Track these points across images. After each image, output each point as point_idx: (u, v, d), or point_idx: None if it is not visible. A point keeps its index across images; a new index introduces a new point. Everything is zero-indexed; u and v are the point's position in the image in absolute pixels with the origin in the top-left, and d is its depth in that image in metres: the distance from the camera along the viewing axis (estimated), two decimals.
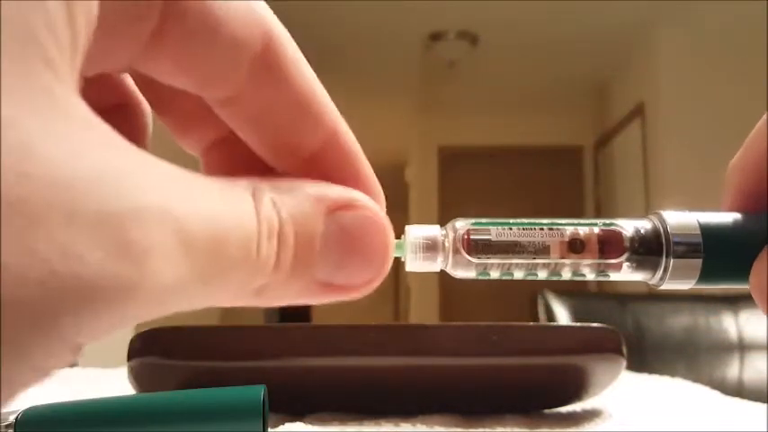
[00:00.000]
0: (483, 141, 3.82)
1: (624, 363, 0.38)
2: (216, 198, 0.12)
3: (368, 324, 0.36)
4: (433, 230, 0.19)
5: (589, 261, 0.20)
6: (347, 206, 0.15)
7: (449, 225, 0.20)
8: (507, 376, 0.38)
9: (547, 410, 0.41)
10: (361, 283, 0.15)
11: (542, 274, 0.20)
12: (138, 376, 0.37)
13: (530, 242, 0.20)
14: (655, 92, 3.00)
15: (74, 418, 0.27)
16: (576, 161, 3.85)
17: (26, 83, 0.10)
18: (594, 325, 0.38)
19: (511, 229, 0.20)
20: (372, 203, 0.15)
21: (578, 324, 0.38)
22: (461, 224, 0.20)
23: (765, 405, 0.44)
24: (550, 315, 1.41)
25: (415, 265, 0.19)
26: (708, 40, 2.85)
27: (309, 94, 0.16)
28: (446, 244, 0.19)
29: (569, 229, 0.20)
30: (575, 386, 0.39)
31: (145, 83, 0.16)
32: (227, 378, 0.34)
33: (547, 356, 0.37)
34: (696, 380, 0.57)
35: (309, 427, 0.34)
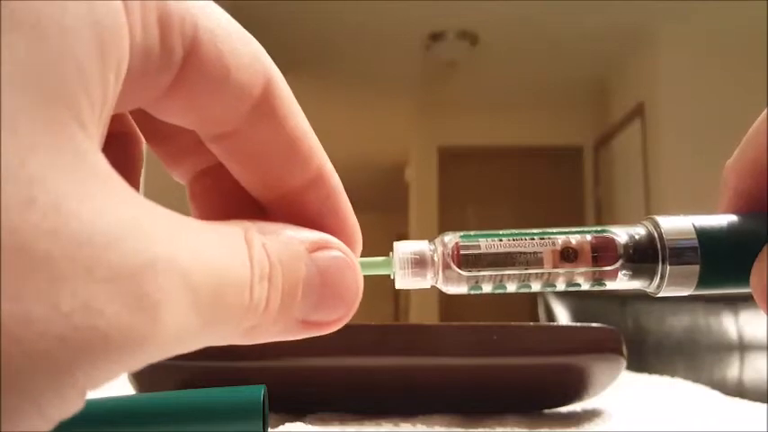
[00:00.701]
0: (483, 141, 3.82)
1: (624, 363, 0.38)
2: (214, 245, 0.13)
3: (367, 324, 0.36)
4: (422, 246, 0.19)
5: (583, 269, 0.19)
6: (322, 247, 0.16)
7: (437, 239, 0.19)
8: (507, 376, 0.38)
9: (547, 410, 0.41)
10: (335, 320, 0.16)
11: (536, 286, 0.20)
12: (138, 376, 0.37)
13: (521, 253, 0.19)
14: (655, 92, 3.00)
15: (73, 417, 0.27)
16: (576, 161, 3.84)
17: (56, 139, 0.10)
18: (594, 325, 0.38)
19: (501, 240, 0.19)
20: (342, 245, 0.16)
21: (578, 324, 0.37)
22: (450, 238, 0.19)
23: (765, 405, 0.44)
24: (550, 315, 1.41)
25: (404, 282, 0.19)
26: (708, 40, 2.85)
27: (300, 134, 0.16)
28: (435, 259, 0.19)
29: (561, 238, 0.19)
30: (575, 386, 0.39)
31: (139, 115, 0.17)
32: (228, 378, 0.34)
33: (547, 356, 0.37)
34: (696, 380, 0.57)
35: (309, 427, 0.34)
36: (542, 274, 0.19)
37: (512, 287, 0.20)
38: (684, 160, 2.83)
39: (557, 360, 0.37)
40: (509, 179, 3.78)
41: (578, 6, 2.70)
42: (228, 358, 0.36)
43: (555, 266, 0.19)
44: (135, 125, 0.17)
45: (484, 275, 0.19)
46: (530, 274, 0.19)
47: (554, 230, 0.19)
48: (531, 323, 0.38)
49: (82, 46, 0.11)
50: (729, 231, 0.20)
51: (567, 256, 0.19)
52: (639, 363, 0.91)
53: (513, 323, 0.37)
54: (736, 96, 2.70)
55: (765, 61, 2.49)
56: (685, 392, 0.51)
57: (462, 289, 0.19)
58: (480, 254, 0.19)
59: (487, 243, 0.19)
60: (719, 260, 0.19)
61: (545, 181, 3.78)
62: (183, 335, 0.12)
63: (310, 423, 0.36)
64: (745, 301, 1.36)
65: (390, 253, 0.19)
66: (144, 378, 0.37)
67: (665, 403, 0.46)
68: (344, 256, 0.16)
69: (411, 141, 4.03)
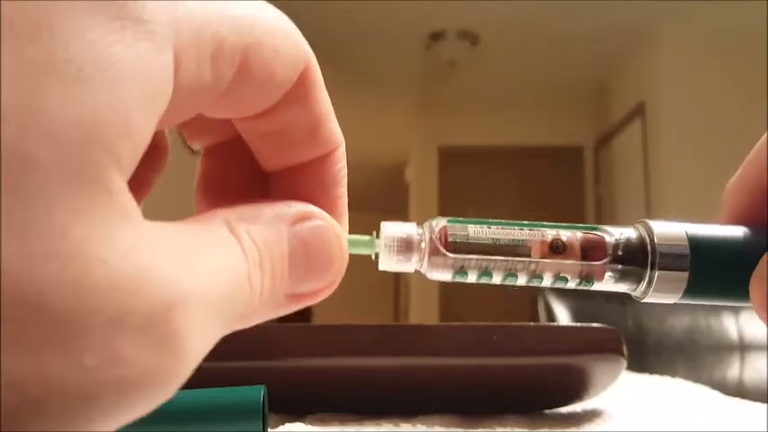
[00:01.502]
0: (483, 141, 3.82)
1: (624, 363, 0.38)
2: (215, 251, 0.13)
3: (367, 324, 0.36)
4: (410, 228, 0.19)
5: (570, 262, 0.19)
6: (303, 218, 0.16)
7: (426, 224, 0.19)
8: (507, 376, 0.37)
9: (547, 410, 0.41)
10: (323, 288, 0.16)
11: (522, 278, 0.19)
12: None
13: (509, 240, 0.19)
14: (655, 92, 3.00)
15: None
16: (576, 161, 3.84)
17: (90, 184, 0.10)
18: (595, 325, 0.38)
19: (489, 227, 0.19)
20: (324, 213, 0.16)
21: (578, 324, 0.37)
22: (438, 222, 0.19)
23: (766, 405, 0.44)
24: (550, 315, 1.41)
25: (388, 264, 0.19)
26: (708, 40, 2.85)
27: (324, 116, 0.17)
28: (422, 244, 0.19)
29: (551, 231, 0.19)
30: (575, 386, 0.39)
31: None
32: (228, 378, 0.34)
33: (547, 356, 0.37)
34: (696, 380, 0.57)
35: (309, 427, 0.34)
36: (529, 264, 0.19)
37: (498, 276, 0.19)
38: (684, 160, 2.83)
39: (557, 360, 0.37)
40: (509, 179, 3.78)
41: (578, 6, 2.70)
42: (228, 358, 0.36)
43: (542, 257, 0.19)
44: (166, 140, 0.18)
45: (470, 260, 0.19)
46: (516, 263, 0.19)
47: (545, 224, 0.19)
48: (531, 323, 0.38)
49: (128, 95, 0.11)
50: (722, 242, 0.19)
51: (556, 248, 0.19)
52: (640, 363, 0.90)
53: (513, 323, 0.37)
54: (737, 96, 2.70)
55: (765, 61, 2.48)
56: (685, 392, 0.51)
57: (447, 275, 0.19)
58: (468, 238, 0.19)
59: (476, 229, 0.19)
60: (709, 269, 0.19)
61: (545, 181, 3.78)
62: (203, 353, 0.12)
63: (310, 423, 0.36)
64: None
65: (374, 232, 0.18)
66: None
67: (665, 403, 0.46)
68: (326, 224, 0.16)
69: (411, 141, 4.02)
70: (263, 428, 0.29)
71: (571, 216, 3.61)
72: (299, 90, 0.16)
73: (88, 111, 0.10)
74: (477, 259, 0.19)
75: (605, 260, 0.19)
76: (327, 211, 0.17)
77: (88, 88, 0.10)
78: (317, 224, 0.16)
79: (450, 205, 3.71)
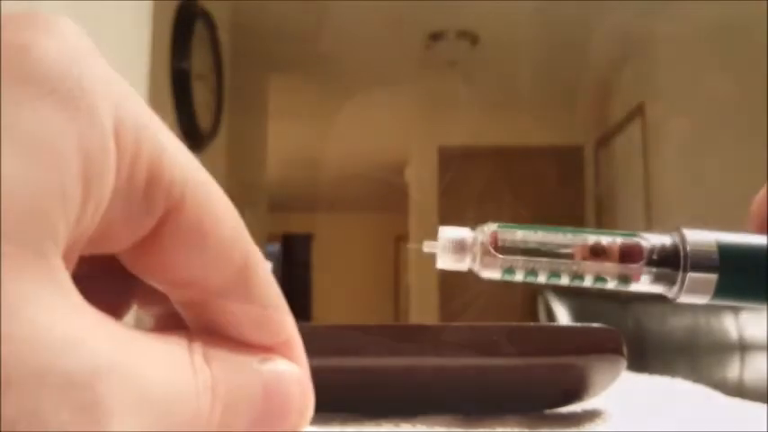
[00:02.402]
0: (483, 141, 3.82)
1: (625, 363, 0.38)
2: (162, 355, 0.13)
3: (368, 324, 0.36)
4: (464, 232, 0.21)
5: (609, 265, 0.21)
6: (266, 359, 0.16)
7: (478, 228, 0.21)
8: (507, 376, 0.37)
9: (547, 410, 0.41)
10: None
11: (565, 279, 0.21)
12: None
13: (554, 244, 0.21)
14: (655, 92, 3.00)
15: None
16: (576, 161, 3.84)
17: (25, 251, 0.11)
18: (595, 325, 0.38)
19: (536, 232, 0.21)
20: (288, 362, 0.16)
21: (578, 324, 0.37)
22: (489, 226, 0.21)
23: (766, 405, 0.43)
24: (550, 315, 1.41)
25: (445, 262, 0.21)
26: (708, 41, 2.85)
27: (271, 311, 0.16)
28: (475, 247, 0.21)
29: (592, 237, 0.21)
30: (575, 386, 0.39)
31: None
32: None
33: (547, 356, 0.37)
34: (697, 380, 0.57)
35: (309, 427, 0.34)
36: (571, 265, 0.21)
37: (542, 276, 0.21)
38: (684, 160, 2.83)
39: (557, 360, 0.37)
40: (509, 179, 3.78)
41: (578, 6, 2.70)
42: None
43: (584, 260, 0.21)
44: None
45: (518, 261, 0.21)
46: (560, 264, 0.21)
47: (586, 230, 0.22)
48: (531, 323, 0.38)
49: (68, 170, 0.11)
50: (749, 249, 0.21)
51: (596, 251, 0.21)
52: (640, 363, 0.91)
53: (513, 323, 0.37)
54: (736, 96, 2.70)
55: (765, 61, 2.48)
56: (685, 392, 0.51)
57: (496, 274, 0.21)
58: (516, 242, 0.21)
59: (524, 233, 0.21)
60: (737, 274, 0.21)
61: (545, 181, 3.78)
62: None
63: (310, 423, 0.36)
64: None
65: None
66: None
67: (665, 403, 0.46)
68: (290, 370, 0.16)
69: (411, 141, 4.02)
70: None
71: (571, 216, 3.61)
72: (240, 282, 0.15)
73: (29, 184, 0.11)
74: (525, 260, 0.21)
75: (641, 263, 0.21)
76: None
77: (36, 161, 0.11)
78: (280, 368, 0.16)
79: (450, 205, 3.70)
